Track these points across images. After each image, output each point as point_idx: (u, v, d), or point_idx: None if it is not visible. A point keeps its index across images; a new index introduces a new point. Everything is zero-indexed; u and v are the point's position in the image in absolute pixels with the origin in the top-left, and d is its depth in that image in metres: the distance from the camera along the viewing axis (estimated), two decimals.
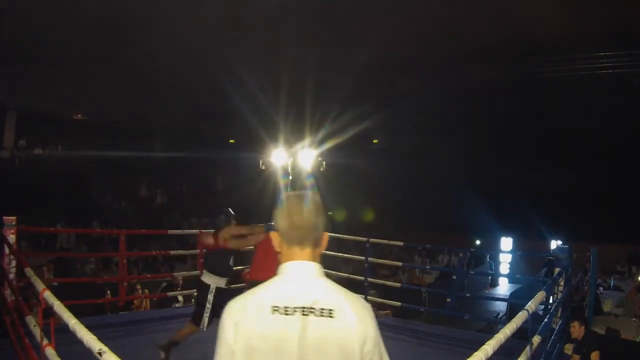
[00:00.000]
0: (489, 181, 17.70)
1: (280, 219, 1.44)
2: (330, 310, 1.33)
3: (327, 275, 1.43)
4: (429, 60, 12.94)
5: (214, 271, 4.30)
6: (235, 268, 4.67)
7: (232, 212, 4.48)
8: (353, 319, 1.34)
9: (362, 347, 1.33)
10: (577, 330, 4.77)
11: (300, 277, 1.39)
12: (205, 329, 4.19)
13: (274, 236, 1.46)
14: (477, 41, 11.99)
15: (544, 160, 17.32)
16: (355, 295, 1.43)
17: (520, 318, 2.89)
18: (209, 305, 4.19)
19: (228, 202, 4.80)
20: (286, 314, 1.32)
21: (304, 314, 1.32)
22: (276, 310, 1.32)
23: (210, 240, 4.33)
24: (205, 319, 4.21)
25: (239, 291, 3.68)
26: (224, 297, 4.07)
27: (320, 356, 1.31)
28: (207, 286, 4.24)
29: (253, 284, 3.15)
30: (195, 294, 4.92)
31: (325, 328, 1.32)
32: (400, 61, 13.11)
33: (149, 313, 6.99)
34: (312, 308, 1.33)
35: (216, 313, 4.09)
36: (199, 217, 18.39)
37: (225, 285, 4.25)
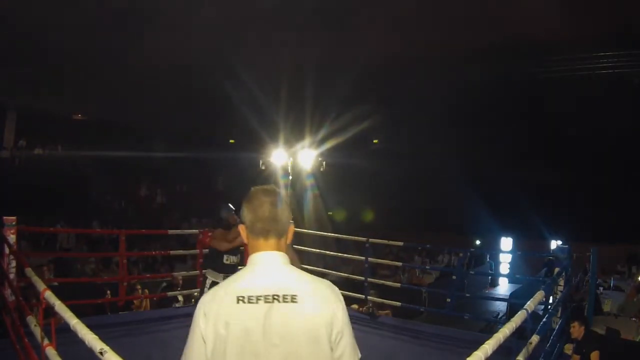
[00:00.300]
0: (489, 181, 17.69)
1: (246, 212, 1.50)
2: (294, 295, 1.38)
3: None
4: (429, 60, 12.94)
5: (210, 268, 4.62)
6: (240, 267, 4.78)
7: (233, 208, 4.70)
8: (317, 303, 1.38)
9: (329, 331, 1.38)
10: (577, 330, 4.77)
11: (265, 267, 1.44)
12: None
13: (241, 229, 1.51)
14: (477, 41, 11.99)
15: (544, 160, 17.32)
16: (323, 280, 1.47)
17: (519, 317, 2.89)
18: None
19: (228, 202, 4.97)
20: (249, 303, 1.37)
21: (267, 302, 1.37)
22: (241, 300, 1.38)
23: (200, 237, 4.65)
24: None
25: None
26: None
27: (287, 341, 1.35)
28: (205, 281, 4.58)
29: None
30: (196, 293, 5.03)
31: (290, 314, 1.37)
32: (400, 61, 13.11)
33: (149, 313, 6.98)
34: (275, 295, 1.38)
35: None
36: (199, 217, 18.38)
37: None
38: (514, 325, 2.72)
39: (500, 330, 2.58)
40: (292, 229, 1.53)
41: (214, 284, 4.37)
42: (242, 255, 4.68)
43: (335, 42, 11.79)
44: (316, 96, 12.77)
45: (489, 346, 2.28)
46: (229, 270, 4.47)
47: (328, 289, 1.44)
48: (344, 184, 18.20)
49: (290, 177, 11.70)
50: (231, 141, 22.66)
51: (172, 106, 16.50)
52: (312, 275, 1.47)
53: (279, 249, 1.47)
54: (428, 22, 11.17)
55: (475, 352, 2.18)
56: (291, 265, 1.47)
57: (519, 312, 2.96)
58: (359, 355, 1.47)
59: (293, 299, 1.38)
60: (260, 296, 1.38)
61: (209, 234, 4.54)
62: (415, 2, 10.67)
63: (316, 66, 11.82)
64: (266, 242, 1.46)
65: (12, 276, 4.65)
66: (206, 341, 1.38)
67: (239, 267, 4.62)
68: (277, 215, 1.47)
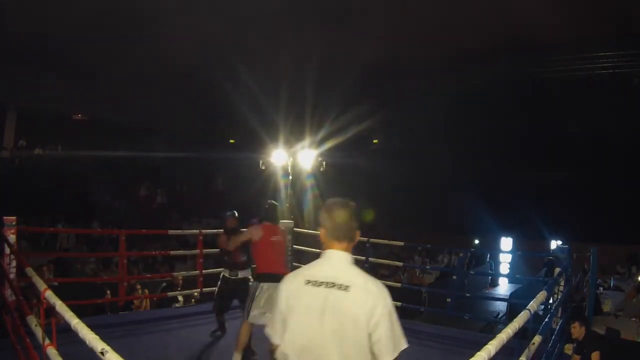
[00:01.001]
0: (489, 181, 17.68)
1: (326, 220, 1.90)
2: (347, 286, 1.77)
3: None
4: (429, 60, 12.94)
5: (224, 264, 5.20)
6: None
7: (234, 213, 5.38)
8: (363, 294, 1.76)
9: (368, 318, 1.73)
10: (577, 330, 4.77)
11: (332, 261, 1.87)
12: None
13: (322, 231, 1.91)
14: (477, 42, 11.99)
15: (544, 160, 17.30)
16: (374, 279, 1.84)
17: (522, 318, 2.89)
18: (217, 289, 5.17)
19: (228, 202, 5.20)
20: (314, 286, 1.80)
21: (327, 287, 1.78)
22: (308, 283, 1.82)
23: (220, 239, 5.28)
24: (215, 303, 5.14)
25: (242, 280, 4.84)
26: (228, 284, 5.02)
27: (337, 318, 1.74)
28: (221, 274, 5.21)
29: (263, 276, 4.05)
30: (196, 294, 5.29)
31: (342, 298, 1.76)
32: (400, 62, 13.11)
33: (149, 313, 6.98)
34: (333, 283, 1.79)
35: (221, 297, 5.10)
36: (199, 217, 18.38)
37: (229, 275, 5.08)
38: (517, 326, 2.72)
39: (503, 330, 2.57)
40: (358, 234, 1.92)
41: (223, 277, 5.12)
42: (249, 256, 4.93)
43: (336, 41, 11.79)
44: (316, 96, 12.77)
45: (492, 347, 2.28)
46: (238, 267, 5.07)
47: (376, 286, 1.80)
48: (344, 184, 18.18)
49: (290, 177, 11.69)
50: (231, 141, 22.65)
51: (172, 106, 16.49)
52: (367, 274, 1.84)
53: (346, 250, 1.89)
54: (428, 22, 11.17)
55: (479, 353, 2.18)
56: (353, 264, 1.86)
57: (522, 313, 2.95)
58: (402, 347, 1.80)
59: (346, 288, 1.76)
60: (323, 282, 1.80)
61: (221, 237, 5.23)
62: (416, 2, 10.68)
63: (316, 66, 11.81)
64: (338, 244, 1.88)
65: (12, 276, 4.64)
66: (282, 312, 1.83)
67: (248, 265, 5.15)
68: (350, 225, 1.88)
